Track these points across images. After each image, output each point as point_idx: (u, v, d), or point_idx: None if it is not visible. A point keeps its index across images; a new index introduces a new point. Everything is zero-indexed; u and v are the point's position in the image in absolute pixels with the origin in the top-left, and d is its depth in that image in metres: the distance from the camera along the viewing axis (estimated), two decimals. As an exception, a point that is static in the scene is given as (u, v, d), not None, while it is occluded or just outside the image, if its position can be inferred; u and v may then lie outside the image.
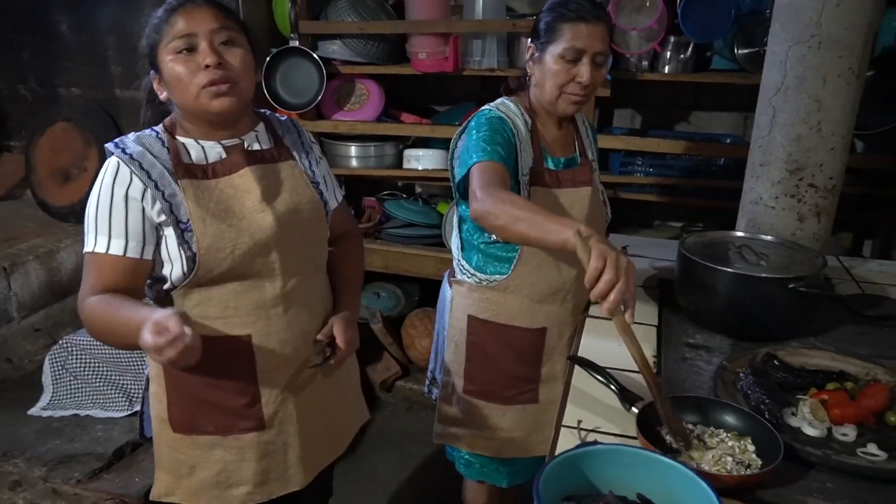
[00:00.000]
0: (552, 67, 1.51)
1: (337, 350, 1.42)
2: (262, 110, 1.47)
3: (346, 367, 1.57)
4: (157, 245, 1.28)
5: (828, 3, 1.59)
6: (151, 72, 1.29)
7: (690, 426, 1.15)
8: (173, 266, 1.28)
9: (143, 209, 1.24)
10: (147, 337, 1.05)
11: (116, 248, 1.24)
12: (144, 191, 1.23)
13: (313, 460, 1.51)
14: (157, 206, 1.24)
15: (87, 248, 1.26)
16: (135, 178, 1.23)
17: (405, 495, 2.62)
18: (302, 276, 1.38)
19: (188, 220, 1.25)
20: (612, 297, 1.06)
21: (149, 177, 1.23)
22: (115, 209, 1.23)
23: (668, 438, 1.11)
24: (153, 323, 1.05)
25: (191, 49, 1.22)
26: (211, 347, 1.30)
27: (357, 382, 1.67)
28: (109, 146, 1.26)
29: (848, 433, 1.16)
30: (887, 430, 1.17)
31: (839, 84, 1.64)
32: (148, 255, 1.27)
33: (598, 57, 1.50)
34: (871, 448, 1.12)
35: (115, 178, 1.24)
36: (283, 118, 1.49)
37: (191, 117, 1.29)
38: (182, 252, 1.26)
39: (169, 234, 1.26)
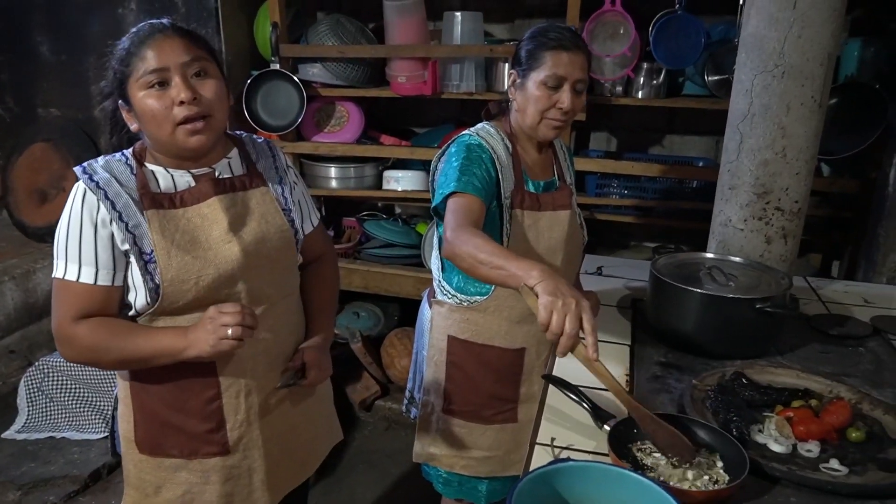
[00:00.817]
0: (534, 93, 1.55)
1: (308, 374, 1.42)
2: (239, 133, 1.46)
3: (317, 391, 1.57)
4: (126, 270, 1.27)
5: (790, 34, 1.65)
6: (120, 102, 1.26)
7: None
8: (137, 294, 1.27)
9: (112, 235, 1.23)
10: (223, 319, 1.19)
11: (87, 277, 1.23)
12: (109, 219, 1.22)
13: (279, 484, 1.50)
14: (121, 236, 1.23)
15: (58, 273, 1.24)
16: (101, 206, 1.22)
17: (384, 515, 2.63)
18: (269, 304, 1.38)
19: (152, 251, 1.24)
20: (561, 342, 1.08)
21: (113, 207, 1.22)
22: (84, 236, 1.22)
23: (669, 457, 1.14)
24: (215, 311, 1.21)
25: (163, 83, 1.21)
26: (176, 373, 1.32)
27: (329, 405, 1.67)
28: (77, 170, 1.25)
29: (812, 449, 1.20)
30: (849, 446, 1.21)
31: (802, 112, 1.71)
32: (119, 282, 1.26)
33: (578, 84, 1.55)
34: (833, 463, 1.16)
35: (82, 205, 1.22)
36: (260, 140, 1.48)
37: (162, 148, 1.28)
38: (145, 282, 1.25)
39: (133, 263, 1.25)
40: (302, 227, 1.49)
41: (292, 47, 2.90)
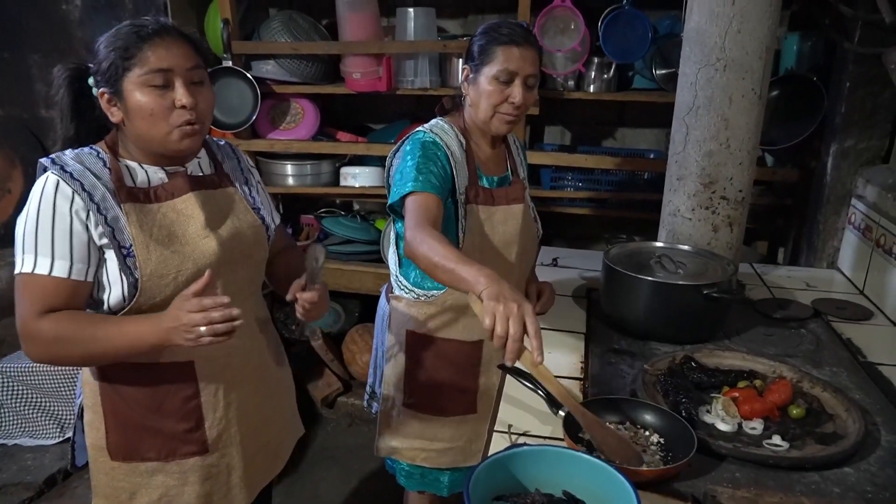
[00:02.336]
0: (486, 88, 1.57)
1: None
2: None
3: (283, 382, 1.59)
4: (99, 267, 1.24)
5: (730, 29, 1.72)
6: (104, 90, 1.23)
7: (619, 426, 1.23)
8: (112, 290, 1.25)
9: (88, 228, 1.20)
10: (188, 305, 1.14)
11: (60, 270, 1.18)
12: (86, 211, 1.19)
13: (255, 479, 1.52)
14: (100, 228, 1.20)
15: (25, 268, 1.18)
16: (77, 197, 1.18)
17: (348, 511, 2.63)
18: (242, 300, 1.38)
19: (131, 244, 1.22)
20: (507, 347, 1.10)
21: (91, 199, 1.19)
22: (57, 228, 1.18)
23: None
24: (186, 300, 1.15)
25: (165, 84, 1.21)
26: (154, 374, 1.32)
27: (292, 398, 1.69)
28: (45, 161, 1.20)
29: (756, 427, 1.26)
30: (790, 423, 1.28)
31: (743, 104, 1.77)
32: (90, 277, 1.23)
33: (530, 79, 1.58)
34: (776, 439, 1.22)
35: (55, 196, 1.18)
36: (221, 142, 1.49)
37: (147, 146, 1.27)
38: (123, 277, 1.23)
39: (110, 257, 1.23)
40: (270, 225, 1.50)
41: (244, 44, 2.87)
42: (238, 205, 1.40)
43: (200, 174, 1.37)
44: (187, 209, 1.30)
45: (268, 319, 1.54)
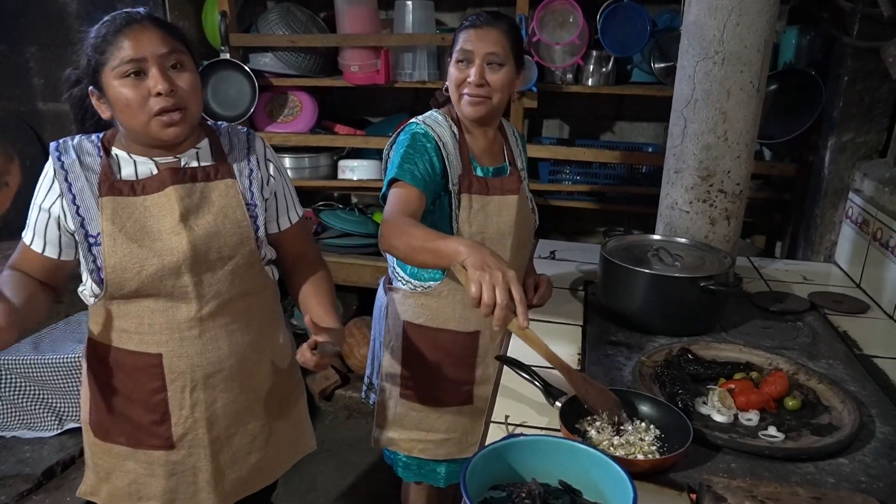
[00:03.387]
0: (451, 72, 1.61)
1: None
2: (219, 123, 1.45)
3: (278, 396, 1.54)
4: (78, 252, 1.32)
5: (729, 22, 1.71)
6: (91, 89, 1.26)
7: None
8: (87, 276, 1.33)
9: (58, 219, 1.28)
10: None
11: (37, 246, 1.31)
12: (59, 199, 1.27)
13: (228, 487, 1.48)
14: (69, 217, 1.27)
15: (24, 232, 1.33)
16: (55, 186, 1.27)
17: (346, 503, 2.64)
18: (223, 302, 1.36)
19: (98, 234, 1.26)
20: (495, 314, 1.11)
21: (69, 188, 1.26)
22: (40, 214, 1.29)
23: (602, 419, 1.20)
24: None
25: (139, 73, 1.21)
26: (125, 360, 1.34)
27: (300, 412, 1.65)
28: (52, 146, 1.29)
29: (752, 418, 1.27)
30: (785, 414, 1.28)
31: (741, 97, 1.77)
32: (67, 257, 1.33)
33: (490, 57, 1.57)
34: (771, 430, 1.22)
35: (42, 182, 1.29)
36: (242, 130, 1.46)
37: (135, 137, 1.28)
38: (87, 265, 1.30)
39: (80, 242, 1.29)
40: (278, 221, 1.49)
41: (242, 37, 2.87)
42: (230, 200, 1.35)
43: (195, 164, 1.35)
44: (167, 203, 1.29)
45: (271, 330, 1.50)
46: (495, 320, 1.12)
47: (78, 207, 1.26)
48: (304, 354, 1.23)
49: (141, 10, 1.25)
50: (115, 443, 1.40)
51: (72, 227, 1.28)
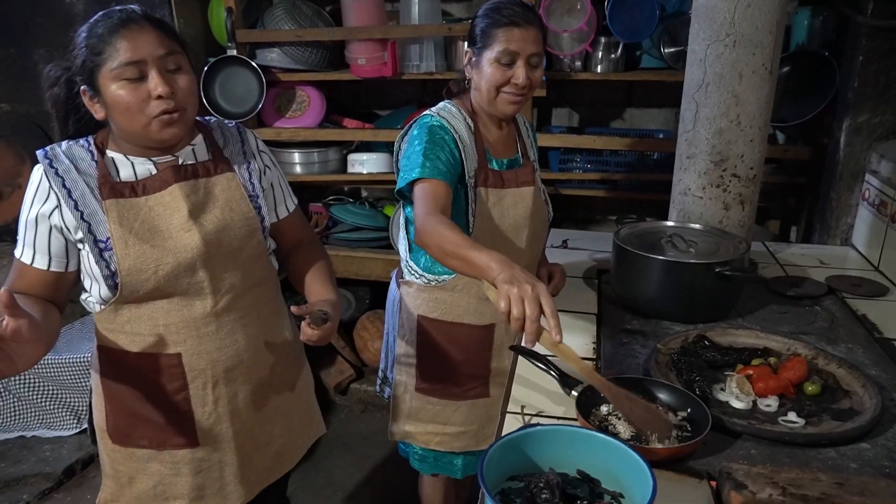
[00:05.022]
0: (488, 71, 1.56)
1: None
2: (208, 118, 1.44)
3: (290, 382, 1.55)
4: (81, 261, 1.28)
5: (740, 3, 1.69)
6: (84, 88, 1.23)
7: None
8: (94, 283, 1.28)
9: (62, 229, 1.24)
10: None
11: (40, 263, 1.25)
12: (58, 208, 1.22)
13: (253, 477, 1.50)
14: (74, 224, 1.23)
15: (17, 253, 1.27)
16: (52, 195, 1.22)
17: (363, 496, 2.65)
18: (236, 295, 1.37)
19: (108, 238, 1.23)
20: (526, 330, 1.09)
21: (69, 195, 1.22)
22: (39, 228, 1.24)
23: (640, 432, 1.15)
24: None
25: (140, 77, 1.19)
26: (143, 364, 1.33)
27: (308, 398, 1.66)
28: (39, 154, 1.24)
29: (770, 404, 1.25)
30: (805, 399, 1.27)
31: (754, 80, 1.75)
32: (73, 268, 1.29)
33: (533, 59, 1.56)
34: (791, 416, 1.21)
35: (35, 194, 1.24)
36: (231, 124, 1.46)
37: (131, 138, 1.27)
38: (101, 270, 1.25)
39: (88, 251, 1.25)
40: (276, 210, 1.49)
41: (248, 32, 2.86)
42: (233, 193, 1.36)
43: (193, 162, 1.34)
44: (172, 201, 1.28)
45: (278, 318, 1.50)
46: (527, 334, 1.09)
47: (82, 213, 1.23)
48: (305, 332, 1.26)
49: (136, 8, 1.22)
50: (137, 446, 1.39)
51: (76, 234, 1.24)
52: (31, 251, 1.25)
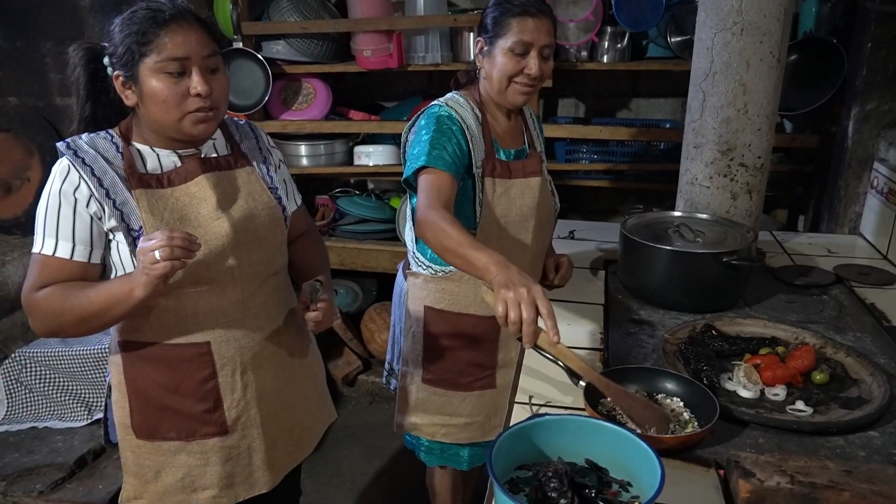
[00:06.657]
0: (501, 61, 1.55)
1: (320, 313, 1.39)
2: None
3: (308, 367, 1.58)
4: (107, 250, 1.28)
5: (747, -9, 1.68)
6: (119, 73, 1.23)
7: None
8: (125, 273, 1.27)
9: (92, 215, 1.23)
10: (148, 244, 1.11)
11: (63, 252, 1.23)
12: (91, 197, 1.22)
13: (279, 463, 1.52)
14: (107, 212, 1.23)
15: (35, 248, 1.25)
16: (83, 184, 1.22)
17: (371, 487, 2.67)
18: (260, 282, 1.39)
19: (140, 227, 1.24)
20: (523, 331, 1.09)
21: (100, 184, 1.22)
22: (62, 213, 1.22)
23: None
24: (143, 239, 1.13)
25: (181, 72, 1.21)
26: (171, 354, 1.33)
27: (321, 383, 1.68)
28: (61, 146, 1.24)
29: (778, 393, 1.25)
30: (813, 388, 1.27)
31: (761, 68, 1.74)
32: (96, 259, 1.26)
33: (545, 49, 1.55)
34: (799, 405, 1.21)
35: (63, 181, 1.22)
36: (241, 122, 1.49)
37: (160, 130, 1.28)
38: (134, 259, 1.23)
39: (120, 240, 1.26)
40: (287, 206, 1.50)
41: (254, 25, 2.86)
42: (254, 185, 1.39)
43: (215, 155, 1.37)
44: (200, 192, 1.30)
45: (291, 304, 1.52)
46: (524, 337, 1.09)
47: (114, 201, 1.23)
48: (308, 317, 1.33)
49: (182, 4, 1.24)
50: (165, 439, 1.39)
51: (110, 222, 1.24)
52: (53, 240, 1.23)
